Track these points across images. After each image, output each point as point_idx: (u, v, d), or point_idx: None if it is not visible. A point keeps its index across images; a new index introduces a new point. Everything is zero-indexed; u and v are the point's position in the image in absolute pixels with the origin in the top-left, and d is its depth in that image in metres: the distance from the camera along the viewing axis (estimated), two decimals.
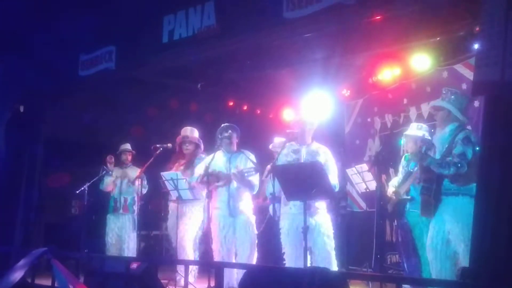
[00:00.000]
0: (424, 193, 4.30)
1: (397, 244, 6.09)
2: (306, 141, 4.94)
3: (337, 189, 4.81)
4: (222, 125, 5.36)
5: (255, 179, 5.17)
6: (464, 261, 4.01)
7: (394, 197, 5.39)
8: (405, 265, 5.49)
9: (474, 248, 3.57)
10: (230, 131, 5.30)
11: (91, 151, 7.91)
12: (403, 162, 5.52)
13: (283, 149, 4.94)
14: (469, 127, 5.86)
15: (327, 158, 4.84)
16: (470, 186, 4.12)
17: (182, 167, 5.97)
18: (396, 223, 5.66)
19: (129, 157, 7.15)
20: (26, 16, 6.88)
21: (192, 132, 6.10)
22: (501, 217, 3.41)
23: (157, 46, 6.12)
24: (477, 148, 4.13)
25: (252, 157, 5.24)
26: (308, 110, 5.21)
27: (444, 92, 4.45)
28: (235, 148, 5.35)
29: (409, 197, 5.29)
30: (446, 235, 4.18)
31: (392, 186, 5.50)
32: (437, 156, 4.33)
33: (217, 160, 5.28)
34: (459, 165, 4.09)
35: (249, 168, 5.07)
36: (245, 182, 5.12)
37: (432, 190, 4.22)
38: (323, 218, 4.79)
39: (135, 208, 7.02)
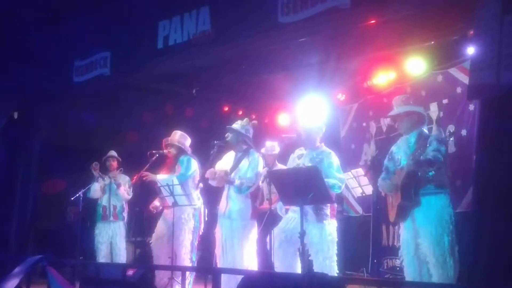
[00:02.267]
0: (405, 198, 4.27)
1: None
2: (312, 146, 4.95)
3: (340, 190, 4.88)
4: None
5: (238, 179, 5.18)
6: (443, 262, 4.03)
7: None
8: None
9: (472, 251, 3.58)
10: (227, 133, 5.33)
11: (86, 157, 7.87)
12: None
13: (292, 154, 5.00)
14: (464, 131, 5.91)
15: (330, 161, 4.84)
16: (446, 187, 4.23)
17: (165, 172, 5.91)
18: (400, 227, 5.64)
19: (114, 164, 7.10)
20: (22, 24, 6.87)
21: (177, 136, 5.99)
22: (498, 220, 3.42)
23: (152, 51, 6.12)
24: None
25: (252, 158, 5.24)
26: (314, 116, 5.23)
27: (402, 99, 4.52)
28: (243, 147, 5.34)
29: None
30: (416, 238, 4.21)
31: None
32: (402, 159, 4.37)
33: (227, 158, 5.36)
34: (436, 158, 4.12)
35: (241, 181, 5.12)
36: (228, 181, 5.18)
37: (411, 194, 4.24)
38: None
39: (125, 215, 6.98)
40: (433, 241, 4.10)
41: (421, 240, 4.19)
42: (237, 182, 5.15)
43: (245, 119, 5.45)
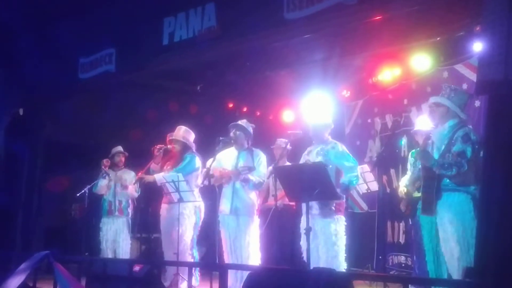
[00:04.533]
0: (425, 191, 4.27)
1: (410, 244, 6.07)
2: (320, 140, 4.99)
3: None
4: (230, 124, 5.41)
5: (252, 176, 5.18)
6: (461, 259, 4.01)
7: (405, 196, 5.37)
8: (417, 265, 5.46)
9: (479, 247, 3.56)
10: (234, 130, 5.34)
11: (91, 154, 7.89)
12: (410, 159, 5.47)
13: (304, 152, 5.07)
14: (470, 126, 5.89)
15: (337, 151, 4.90)
16: (468, 185, 4.12)
17: (169, 167, 5.90)
18: (410, 222, 5.65)
19: (122, 159, 7.12)
20: (26, 20, 6.88)
21: (181, 131, 5.97)
22: (505, 216, 3.41)
23: (158, 48, 6.11)
24: (476, 147, 4.10)
25: (260, 156, 5.27)
26: (319, 112, 5.26)
27: (443, 88, 4.43)
28: (245, 145, 5.35)
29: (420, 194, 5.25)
30: (443, 234, 4.16)
31: (402, 185, 5.47)
32: (435, 152, 4.32)
33: (227, 156, 5.35)
34: (459, 164, 4.06)
35: (243, 167, 5.14)
36: (240, 179, 5.17)
37: (433, 187, 4.20)
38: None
39: (130, 211, 7.00)
40: (452, 239, 4.05)
41: (441, 236, 4.15)
42: (255, 179, 5.15)
43: (245, 120, 5.49)
